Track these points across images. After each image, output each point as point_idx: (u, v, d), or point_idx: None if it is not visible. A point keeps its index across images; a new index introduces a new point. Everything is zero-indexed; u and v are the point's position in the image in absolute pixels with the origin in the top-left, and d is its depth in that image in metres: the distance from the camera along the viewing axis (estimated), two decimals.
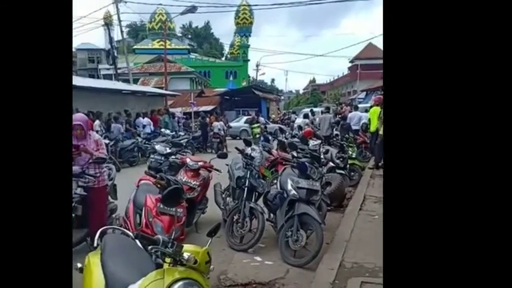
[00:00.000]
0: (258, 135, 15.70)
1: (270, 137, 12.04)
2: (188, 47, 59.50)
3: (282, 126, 22.51)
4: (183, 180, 5.74)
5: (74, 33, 25.26)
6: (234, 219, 5.37)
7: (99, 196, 4.90)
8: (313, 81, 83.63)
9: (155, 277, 2.23)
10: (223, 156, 6.68)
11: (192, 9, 23.11)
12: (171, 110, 21.64)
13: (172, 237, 2.45)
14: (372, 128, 11.07)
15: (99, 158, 4.78)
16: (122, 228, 3.55)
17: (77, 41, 43.39)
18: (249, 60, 58.89)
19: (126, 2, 23.90)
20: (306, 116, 18.90)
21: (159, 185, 4.87)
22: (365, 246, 5.00)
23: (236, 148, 6.51)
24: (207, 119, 18.94)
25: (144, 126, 15.54)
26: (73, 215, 4.50)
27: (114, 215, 5.41)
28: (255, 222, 5.27)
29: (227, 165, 6.51)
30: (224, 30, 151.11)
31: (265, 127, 18.80)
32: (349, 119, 14.03)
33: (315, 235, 4.70)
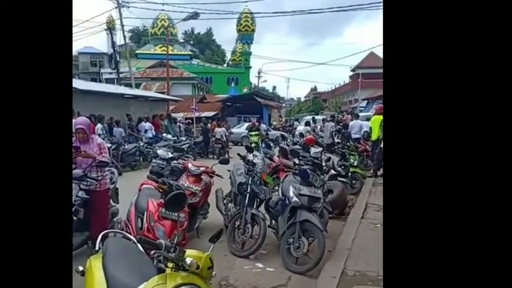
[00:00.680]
0: (255, 144, 15.51)
1: (271, 144, 12.03)
2: (190, 53, 59.68)
3: (284, 133, 22.50)
4: (185, 185, 5.72)
5: (76, 37, 25.46)
6: (236, 225, 5.35)
7: (101, 199, 4.89)
8: (315, 89, 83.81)
9: (157, 282, 2.22)
10: (225, 161, 6.68)
11: (195, 16, 23.18)
12: (173, 115, 21.65)
13: (174, 242, 2.43)
14: (374, 137, 11.08)
15: (101, 161, 4.78)
16: (124, 232, 3.54)
17: (79, 45, 43.71)
18: (250, 67, 59.06)
19: (129, 7, 23.99)
20: (307, 124, 18.96)
21: (161, 190, 4.85)
22: (367, 255, 4.98)
23: (238, 154, 6.50)
24: (209, 124, 18.95)
25: (145, 131, 15.55)
26: (74, 218, 4.48)
27: (115, 219, 5.39)
28: (256, 228, 5.25)
29: (229, 171, 6.50)
30: (226, 37, 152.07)
31: (267, 134, 18.80)
32: (350, 128, 14.04)
33: (317, 242, 4.68)
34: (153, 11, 49.45)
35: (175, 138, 15.36)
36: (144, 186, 5.51)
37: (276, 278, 4.60)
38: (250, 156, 6.25)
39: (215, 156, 15.35)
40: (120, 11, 23.45)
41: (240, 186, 5.67)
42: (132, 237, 3.13)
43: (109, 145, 11.00)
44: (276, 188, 6.22)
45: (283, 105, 70.08)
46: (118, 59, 28.27)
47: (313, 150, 8.65)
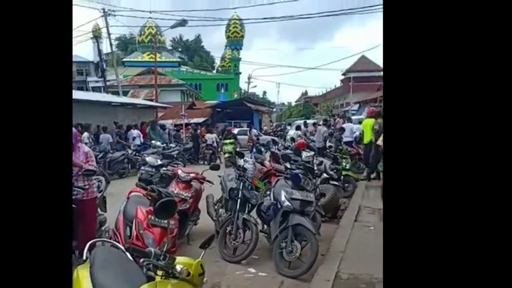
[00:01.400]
0: (228, 155, 13.55)
1: (262, 149, 12.01)
2: (179, 60, 59.60)
3: (275, 138, 22.49)
4: (175, 192, 5.64)
5: None
6: (227, 231, 5.30)
7: (88, 208, 4.80)
8: (306, 93, 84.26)
9: None
10: (216, 167, 6.64)
11: (182, 23, 23.11)
12: (162, 122, 21.56)
13: (164, 249, 2.38)
14: (366, 140, 11.10)
15: (88, 170, 4.71)
16: (112, 241, 3.46)
17: None
18: (240, 73, 59.15)
19: (115, 16, 23.86)
20: (298, 128, 18.92)
21: (150, 197, 4.79)
22: (361, 258, 4.94)
23: (229, 160, 6.43)
24: (198, 130, 18.89)
25: (133, 139, 15.43)
26: None
27: (103, 228, 5.30)
28: (248, 233, 5.20)
29: (220, 176, 6.44)
30: (215, 43, 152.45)
31: (258, 139, 18.75)
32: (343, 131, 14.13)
33: (310, 246, 4.63)
34: (140, 19, 49.22)
35: (165, 145, 15.25)
36: (132, 193, 5.43)
37: (269, 282, 4.55)
38: (241, 162, 6.22)
39: (206, 162, 15.28)
40: (106, 19, 23.34)
41: (231, 191, 5.62)
42: (120, 246, 3.08)
43: (96, 153, 10.90)
44: (268, 192, 6.17)
45: (274, 110, 70.39)
46: (105, 67, 28.13)
47: (304, 154, 8.60)
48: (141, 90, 36.83)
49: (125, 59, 52.84)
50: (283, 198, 5.04)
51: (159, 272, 2.22)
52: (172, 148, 14.91)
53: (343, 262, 4.80)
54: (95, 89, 31.89)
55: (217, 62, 68.75)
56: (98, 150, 12.15)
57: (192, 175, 6.05)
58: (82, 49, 52.25)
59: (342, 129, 14.01)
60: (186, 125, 22.16)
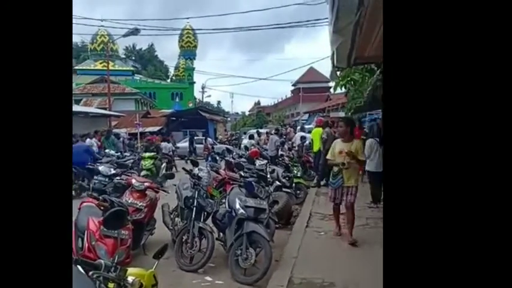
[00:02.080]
0: (146, 172, 11.33)
1: (217, 157, 12.06)
2: (132, 68, 58.54)
3: (229, 147, 22.60)
4: (129, 201, 5.59)
5: None
6: (183, 240, 5.29)
7: None
8: (258, 103, 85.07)
9: None
10: (171, 176, 6.61)
11: (135, 32, 22.80)
12: (116, 130, 21.08)
13: (115, 260, 2.34)
14: (315, 148, 11.42)
15: None
16: None
17: None
18: (194, 82, 58.97)
19: None
20: (251, 137, 19.16)
21: (102, 207, 4.70)
22: (313, 262, 5.10)
23: (183, 168, 6.46)
24: (154, 139, 18.62)
25: None
26: None
27: None
28: (204, 242, 5.22)
29: (175, 185, 6.44)
30: (168, 52, 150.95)
31: (213, 147, 18.75)
32: (294, 139, 14.44)
33: (264, 253, 4.72)
34: (91, 27, 48.09)
35: (119, 154, 14.94)
36: (84, 204, 5.29)
37: None
38: (196, 170, 6.24)
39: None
40: None
41: (186, 200, 5.62)
42: None
43: None
44: (223, 200, 6.24)
45: (228, 119, 70.35)
46: None
47: (258, 162, 8.80)
48: (94, 98, 35.96)
49: (77, 67, 51.31)
50: (237, 206, 5.10)
51: (111, 285, 2.17)
52: (127, 157, 14.62)
53: (296, 267, 4.93)
54: None
55: (171, 71, 68.23)
56: None
57: (146, 184, 6.00)
58: None
59: (303, 138, 14.35)
60: (141, 133, 21.83)
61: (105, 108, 26.90)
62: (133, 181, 6.04)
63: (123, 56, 63.58)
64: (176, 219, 6.16)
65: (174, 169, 14.45)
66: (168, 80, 66.23)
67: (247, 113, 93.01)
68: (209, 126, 33.44)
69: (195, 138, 24.37)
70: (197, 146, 20.34)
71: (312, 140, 11.92)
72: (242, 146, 18.46)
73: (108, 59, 31.22)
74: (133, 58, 72.26)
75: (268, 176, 7.25)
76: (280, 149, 13.21)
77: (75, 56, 63.77)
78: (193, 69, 58.13)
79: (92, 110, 25.10)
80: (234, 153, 12.12)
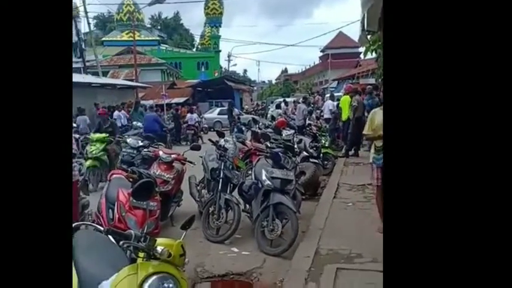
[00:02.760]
0: (94, 163, 8.11)
1: (243, 128, 12.03)
2: (158, 38, 58.40)
3: (255, 117, 22.57)
4: (157, 173, 5.66)
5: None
6: (210, 211, 5.35)
7: None
8: (285, 71, 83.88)
9: (128, 272, 2.20)
10: (197, 148, 6.63)
11: (160, 0, 22.70)
12: (142, 102, 21.28)
13: (145, 231, 2.40)
14: (344, 117, 11.20)
15: None
16: (95, 224, 3.48)
17: None
18: (220, 50, 58.38)
19: None
20: (278, 106, 18.98)
21: (131, 179, 4.79)
22: (340, 234, 5.07)
23: (210, 140, 6.47)
24: (179, 110, 18.75)
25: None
26: None
27: (86, 211, 5.29)
28: (230, 213, 5.26)
29: (201, 157, 6.46)
30: (194, 20, 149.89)
31: (239, 118, 18.78)
32: (323, 108, 14.24)
33: (290, 224, 4.73)
34: None
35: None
36: (114, 176, 5.40)
37: (251, 261, 4.64)
38: (222, 142, 6.23)
39: (188, 143, 15.22)
40: None
41: (212, 172, 5.66)
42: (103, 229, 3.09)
43: (77, 136, 10.75)
44: (249, 172, 6.24)
45: (255, 88, 69.99)
46: (83, 47, 27.49)
47: (285, 132, 8.69)
48: (121, 70, 36.19)
49: (103, 38, 51.64)
50: (263, 178, 5.09)
51: (141, 254, 2.24)
52: None
53: (323, 238, 4.92)
54: (74, 70, 31.10)
55: (197, 39, 67.68)
56: (78, 133, 11.97)
57: (173, 156, 6.06)
58: None
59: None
60: (167, 105, 21.99)
61: (132, 80, 27.11)
62: (161, 153, 6.11)
63: (149, 26, 63.38)
64: (203, 191, 6.22)
65: (200, 140, 14.55)
66: (194, 49, 65.92)
67: (274, 82, 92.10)
68: (235, 96, 33.24)
69: (221, 109, 24.29)
70: (223, 116, 20.29)
71: (340, 108, 11.69)
72: (269, 115, 18.36)
73: (134, 29, 31.22)
74: (159, 27, 71.97)
75: (295, 146, 7.20)
76: (308, 118, 13.02)
77: (101, 27, 64.31)
78: (219, 37, 57.52)
79: (119, 81, 25.35)
80: (261, 124, 12.03)
